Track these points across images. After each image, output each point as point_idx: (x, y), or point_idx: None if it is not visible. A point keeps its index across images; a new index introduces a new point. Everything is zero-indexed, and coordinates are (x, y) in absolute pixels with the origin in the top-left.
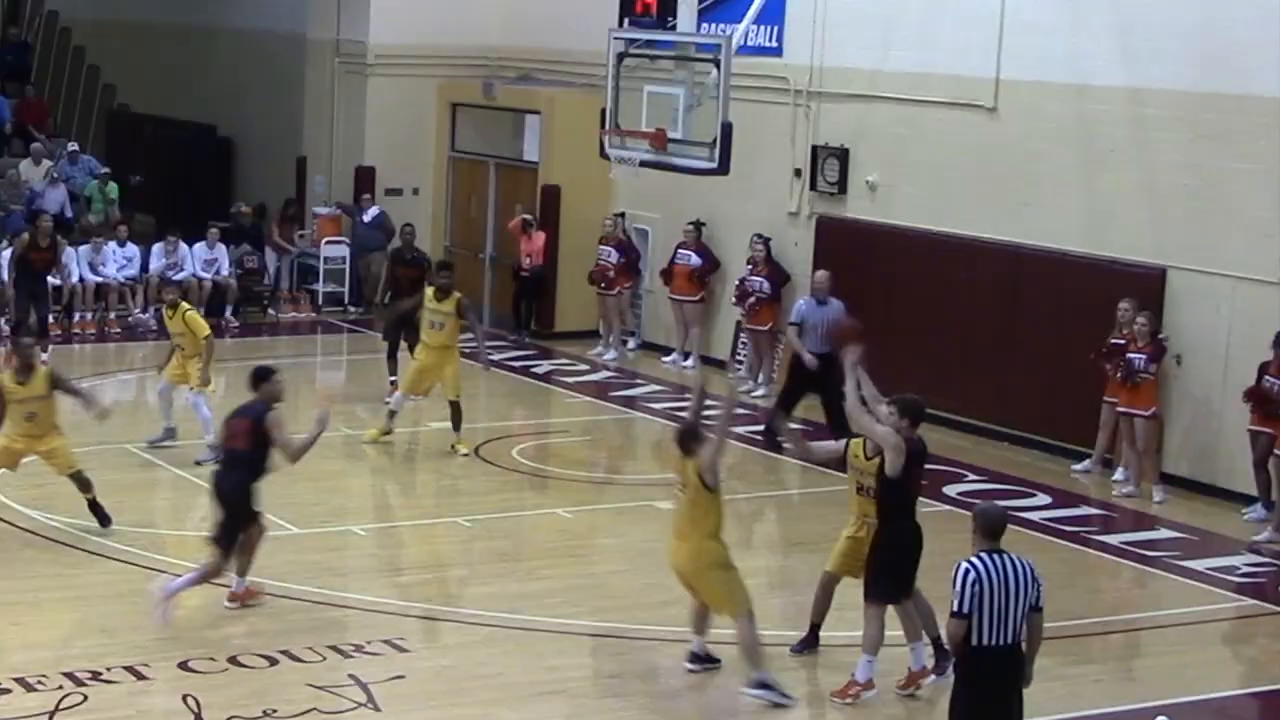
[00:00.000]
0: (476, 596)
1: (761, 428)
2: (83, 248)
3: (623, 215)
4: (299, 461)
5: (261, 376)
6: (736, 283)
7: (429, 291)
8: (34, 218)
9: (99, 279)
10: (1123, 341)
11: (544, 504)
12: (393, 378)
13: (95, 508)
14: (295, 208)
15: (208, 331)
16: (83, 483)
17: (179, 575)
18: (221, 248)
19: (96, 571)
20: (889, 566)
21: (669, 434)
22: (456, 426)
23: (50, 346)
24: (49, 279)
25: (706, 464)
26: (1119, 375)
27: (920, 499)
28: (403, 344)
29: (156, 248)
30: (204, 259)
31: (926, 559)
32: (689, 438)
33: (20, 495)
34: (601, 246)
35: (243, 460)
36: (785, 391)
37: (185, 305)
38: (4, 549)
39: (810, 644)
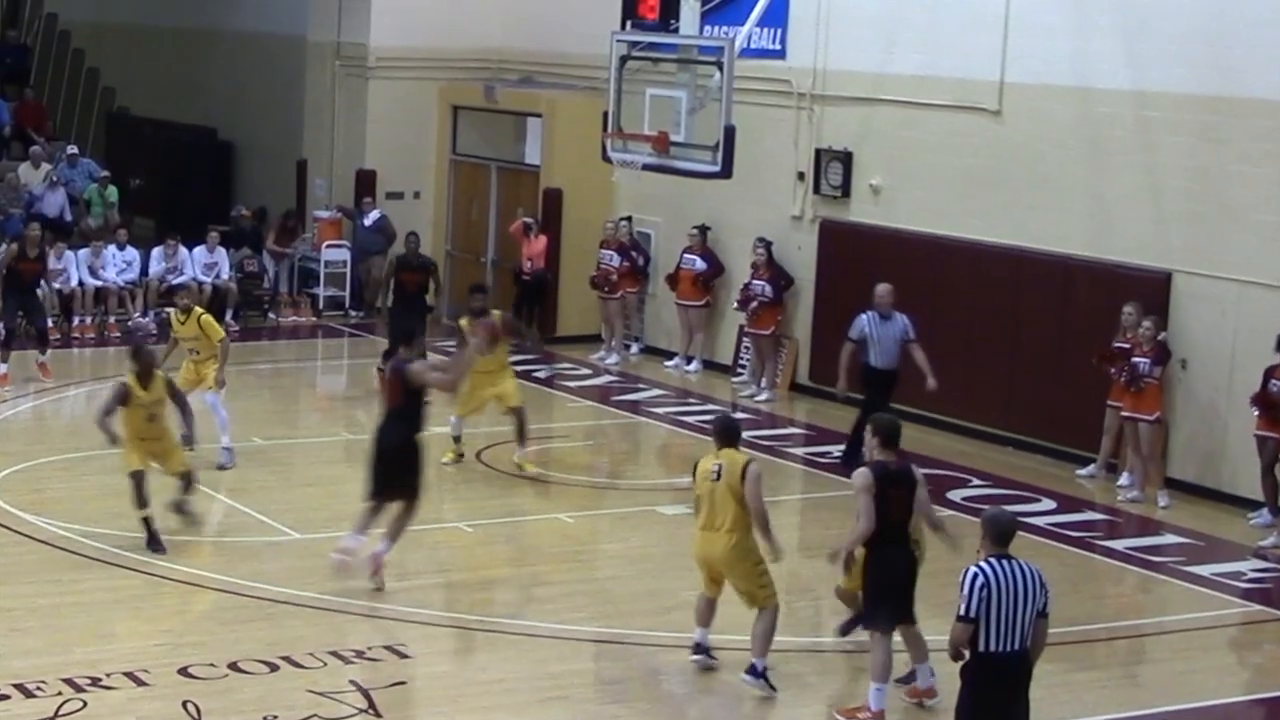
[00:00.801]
0: (478, 602)
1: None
2: (82, 251)
3: (629, 219)
4: (460, 383)
5: (410, 336)
6: (741, 288)
7: (463, 322)
8: (25, 225)
9: (98, 283)
10: (1127, 345)
11: (546, 509)
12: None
13: (180, 507)
14: (295, 220)
15: (223, 334)
16: (187, 483)
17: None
18: (222, 251)
19: (96, 577)
20: (881, 594)
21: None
22: (521, 439)
23: (49, 351)
24: (38, 288)
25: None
26: (1123, 379)
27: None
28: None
29: (156, 251)
30: (204, 263)
31: (933, 564)
32: (734, 433)
33: (19, 500)
34: (603, 250)
35: (400, 414)
36: (857, 426)
37: (199, 310)
38: (3, 554)
39: (854, 625)
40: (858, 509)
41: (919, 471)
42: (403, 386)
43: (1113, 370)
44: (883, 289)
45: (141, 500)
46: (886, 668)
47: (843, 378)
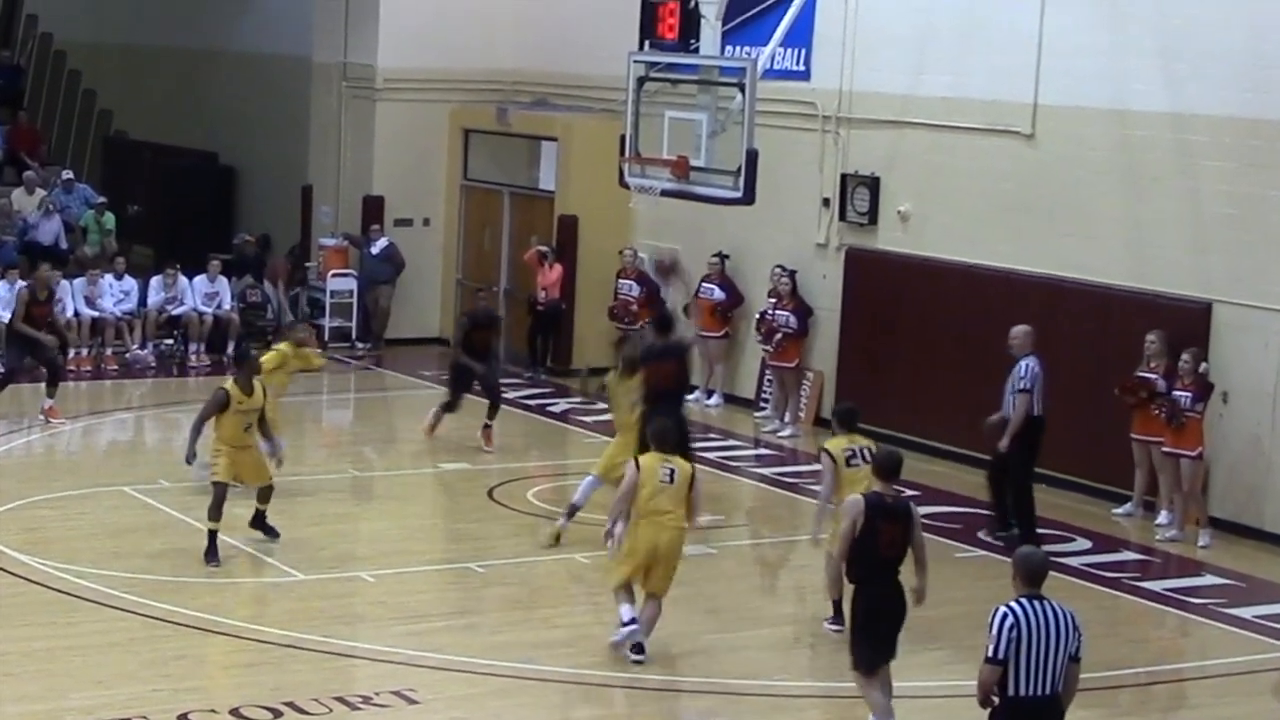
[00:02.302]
0: (489, 645)
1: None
2: (78, 281)
3: (632, 249)
4: None
5: (667, 324)
6: (757, 316)
7: (611, 378)
8: (33, 266)
9: (95, 314)
10: (1150, 376)
11: (560, 549)
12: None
13: (261, 520)
14: (301, 273)
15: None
16: (265, 494)
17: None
18: (223, 280)
19: (92, 620)
20: (865, 632)
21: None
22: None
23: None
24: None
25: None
26: (1163, 414)
27: (957, 544)
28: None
29: (155, 281)
30: (204, 292)
31: (961, 605)
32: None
33: (14, 540)
34: (622, 280)
35: (673, 397)
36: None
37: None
38: None
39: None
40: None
41: (916, 509)
42: (679, 371)
43: (1132, 400)
44: (1012, 331)
45: (218, 513)
46: (885, 708)
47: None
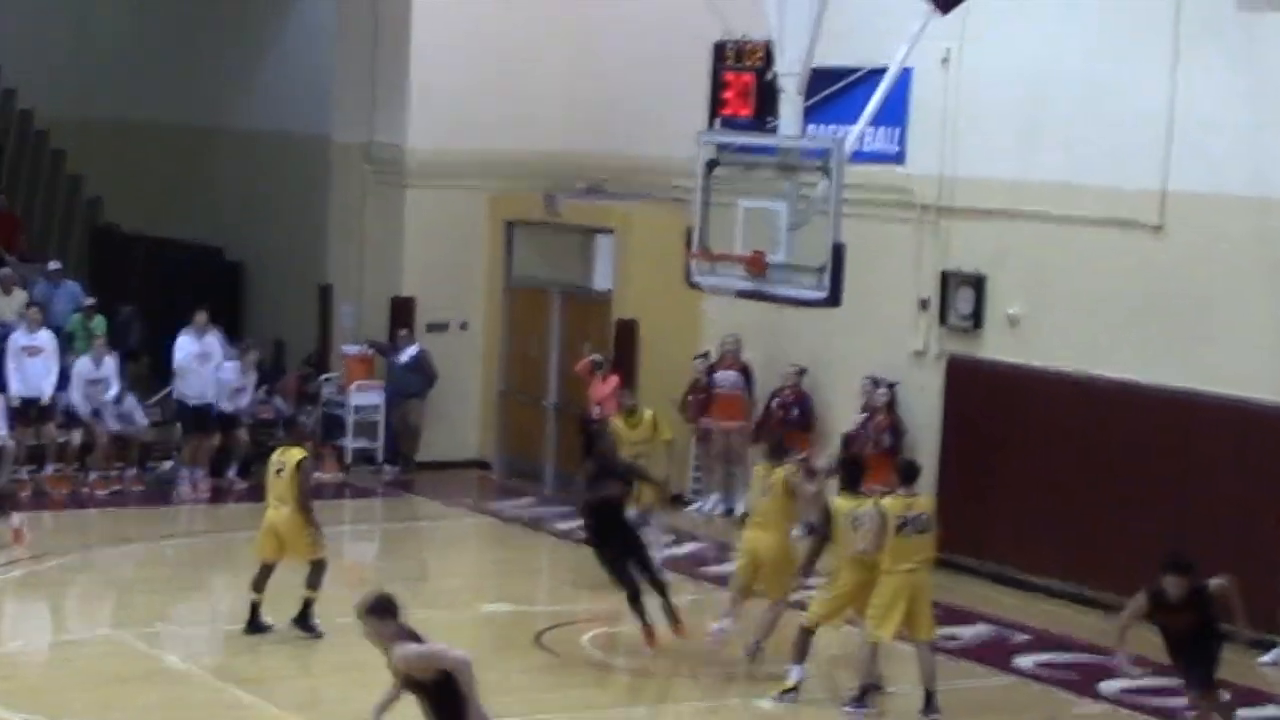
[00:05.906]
0: None
1: None
2: (62, 393)
3: (705, 355)
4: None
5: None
6: (857, 431)
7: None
8: None
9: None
10: None
11: (618, 703)
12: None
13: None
14: (314, 391)
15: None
16: (316, 576)
17: None
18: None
19: None
20: None
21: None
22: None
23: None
24: None
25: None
26: None
27: (1074, 696)
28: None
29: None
30: None
31: None
32: (779, 450)
33: None
34: (693, 396)
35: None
36: None
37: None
38: None
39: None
40: None
41: None
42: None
43: None
44: None
45: (258, 584)
46: None
47: None
